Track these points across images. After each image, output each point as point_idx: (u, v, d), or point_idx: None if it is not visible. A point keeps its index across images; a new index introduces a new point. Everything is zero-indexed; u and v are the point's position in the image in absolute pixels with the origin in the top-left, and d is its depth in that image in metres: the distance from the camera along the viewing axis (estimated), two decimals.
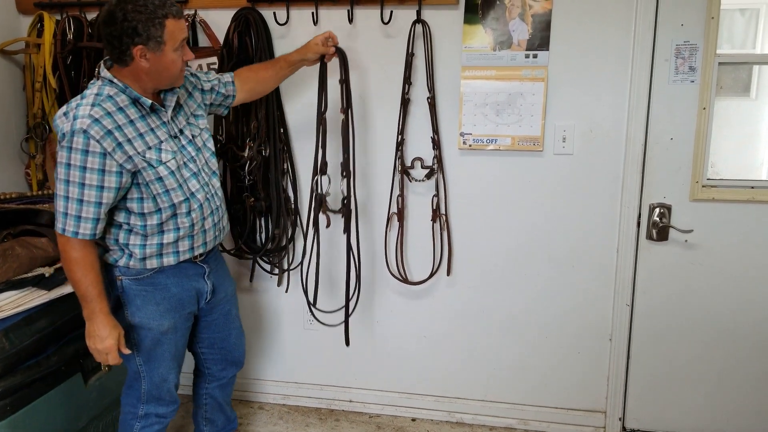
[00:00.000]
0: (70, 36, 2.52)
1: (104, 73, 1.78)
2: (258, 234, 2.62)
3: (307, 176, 2.60)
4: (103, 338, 1.81)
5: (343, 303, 2.45)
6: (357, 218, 2.41)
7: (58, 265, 2.16)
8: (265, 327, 2.83)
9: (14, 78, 2.68)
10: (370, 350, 2.78)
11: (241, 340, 2.30)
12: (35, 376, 1.96)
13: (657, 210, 2.38)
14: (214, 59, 2.50)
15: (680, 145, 2.33)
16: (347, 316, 2.44)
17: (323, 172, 2.35)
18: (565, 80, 2.36)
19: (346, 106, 2.30)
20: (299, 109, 2.58)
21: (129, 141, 1.74)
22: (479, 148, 2.45)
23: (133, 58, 1.72)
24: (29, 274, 2.09)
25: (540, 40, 2.33)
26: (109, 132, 1.70)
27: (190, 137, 1.93)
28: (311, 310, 2.49)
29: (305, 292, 2.47)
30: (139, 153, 1.75)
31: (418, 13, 2.36)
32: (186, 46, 1.81)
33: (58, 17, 2.57)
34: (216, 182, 2.01)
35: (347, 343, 2.47)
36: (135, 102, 1.79)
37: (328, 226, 2.47)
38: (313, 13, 2.42)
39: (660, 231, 2.39)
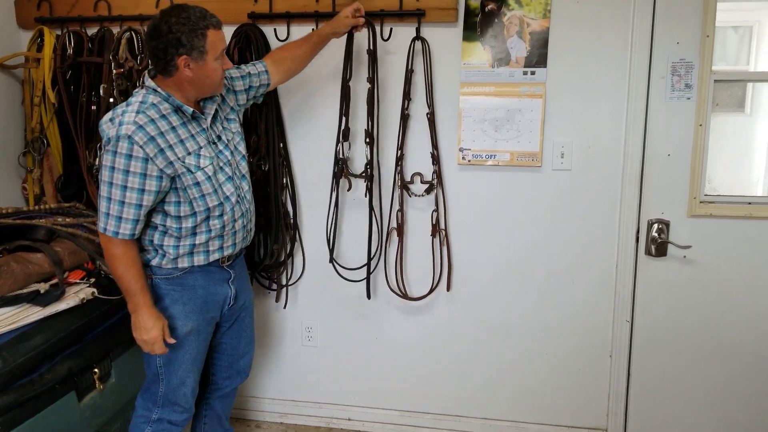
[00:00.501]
0: (70, 51, 2.53)
1: (148, 82, 1.88)
2: (256, 249, 2.61)
3: (305, 190, 2.62)
4: (148, 329, 1.89)
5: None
6: (379, 182, 2.55)
7: (53, 281, 2.14)
8: (263, 344, 2.80)
9: (13, 92, 2.68)
10: (368, 367, 2.75)
11: (250, 349, 2.33)
12: (28, 394, 1.91)
13: (655, 226, 2.39)
14: None
15: (677, 162, 2.35)
16: (368, 272, 2.55)
17: (345, 138, 2.43)
18: (562, 97, 2.38)
19: (373, 75, 2.37)
20: (299, 123, 2.58)
21: (170, 147, 1.83)
22: (478, 163, 2.45)
23: (178, 68, 1.81)
24: (24, 291, 2.06)
25: (538, 57, 2.35)
26: (152, 138, 1.79)
27: (226, 142, 2.02)
28: (333, 265, 2.59)
29: (328, 241, 2.56)
30: (179, 158, 1.84)
31: (418, 30, 2.38)
32: (225, 56, 1.90)
33: (59, 32, 2.58)
34: (245, 185, 2.09)
35: (369, 296, 2.58)
36: (177, 110, 1.88)
37: (349, 189, 2.54)
38: (313, 29, 2.43)
39: (658, 247, 2.39)
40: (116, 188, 1.78)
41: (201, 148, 1.91)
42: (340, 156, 2.47)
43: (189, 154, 1.87)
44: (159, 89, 1.86)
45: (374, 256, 2.55)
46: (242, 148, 2.10)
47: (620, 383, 2.54)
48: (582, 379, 2.59)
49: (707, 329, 2.45)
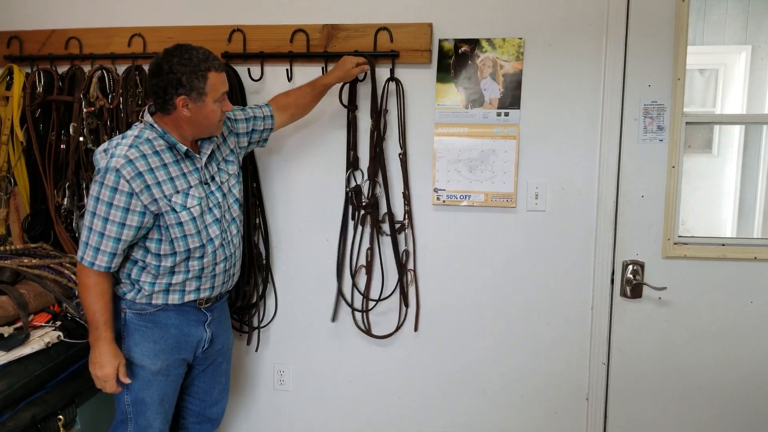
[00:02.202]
0: (39, 89, 2.51)
1: (147, 117, 1.90)
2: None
3: (278, 230, 2.59)
4: (102, 365, 1.87)
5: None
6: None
7: (17, 325, 2.09)
8: (234, 388, 2.71)
9: None
10: (341, 412, 2.69)
11: (223, 397, 2.27)
12: None
13: (630, 267, 2.38)
14: None
15: (651, 203, 2.35)
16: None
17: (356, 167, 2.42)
18: (536, 138, 2.39)
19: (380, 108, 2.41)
20: (273, 163, 2.57)
21: (158, 184, 1.82)
22: (453, 204, 2.44)
23: (176, 108, 1.82)
24: None
25: (511, 99, 2.37)
26: (141, 173, 1.79)
27: (219, 183, 2.01)
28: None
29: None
30: (165, 196, 1.83)
31: (392, 71, 2.39)
32: (226, 98, 1.90)
33: (29, 70, 2.56)
34: (234, 229, 2.06)
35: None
36: (172, 147, 1.88)
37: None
38: (287, 69, 2.44)
39: (634, 288, 2.39)
40: (98, 219, 1.79)
41: (191, 187, 1.90)
42: (352, 186, 2.45)
43: (177, 192, 1.86)
44: (156, 125, 1.87)
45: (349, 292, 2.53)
46: (237, 191, 2.09)
47: (597, 427, 2.51)
48: (558, 422, 2.55)
49: (684, 370, 2.44)
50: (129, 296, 1.94)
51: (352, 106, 2.42)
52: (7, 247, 2.44)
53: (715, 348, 2.41)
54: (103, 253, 1.81)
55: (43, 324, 2.17)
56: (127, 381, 1.92)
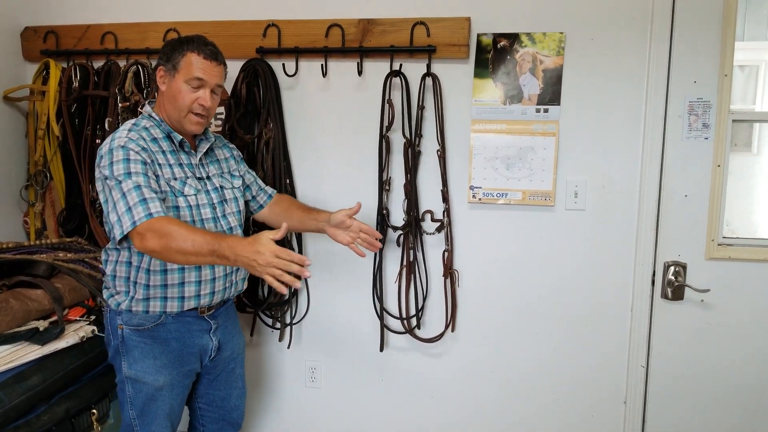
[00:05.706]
0: (75, 84, 2.52)
1: (146, 108, 1.93)
2: (260, 287, 2.55)
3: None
4: (260, 252, 1.56)
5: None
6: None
7: (52, 319, 2.10)
8: (264, 384, 2.73)
9: (17, 125, 2.65)
10: (373, 412, 2.67)
11: (242, 401, 2.22)
12: None
13: (672, 268, 2.32)
14: (222, 109, 2.48)
15: (695, 202, 2.29)
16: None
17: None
18: (576, 135, 2.33)
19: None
20: (306, 159, 2.55)
21: (159, 165, 1.82)
22: (489, 201, 2.40)
23: (156, 80, 1.89)
24: (22, 328, 2.02)
25: (551, 95, 2.31)
26: (144, 149, 1.79)
27: (217, 186, 1.98)
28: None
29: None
30: (165, 178, 1.82)
31: (428, 66, 2.35)
32: (206, 90, 1.86)
33: (65, 65, 2.57)
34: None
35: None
36: (168, 136, 1.89)
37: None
38: (322, 65, 2.41)
39: (675, 290, 2.33)
40: (126, 182, 1.69)
41: (188, 178, 1.88)
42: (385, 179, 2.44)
43: (175, 179, 1.85)
44: (153, 114, 1.90)
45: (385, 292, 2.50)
46: (241, 204, 2.05)
47: (635, 431, 2.45)
48: (595, 425, 2.50)
49: (726, 376, 2.37)
50: (124, 305, 1.87)
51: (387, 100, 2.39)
52: (43, 241, 2.46)
53: (758, 352, 2.34)
54: (152, 200, 1.69)
55: (78, 318, 2.19)
56: (280, 234, 1.61)
